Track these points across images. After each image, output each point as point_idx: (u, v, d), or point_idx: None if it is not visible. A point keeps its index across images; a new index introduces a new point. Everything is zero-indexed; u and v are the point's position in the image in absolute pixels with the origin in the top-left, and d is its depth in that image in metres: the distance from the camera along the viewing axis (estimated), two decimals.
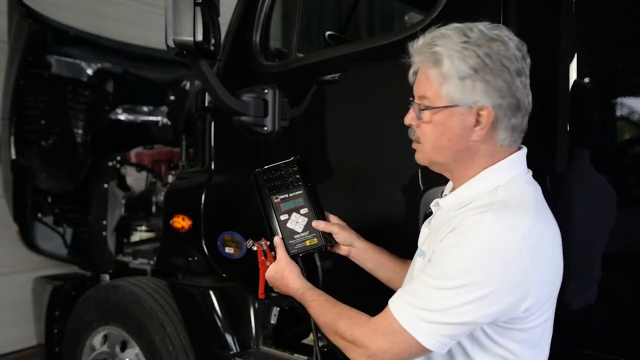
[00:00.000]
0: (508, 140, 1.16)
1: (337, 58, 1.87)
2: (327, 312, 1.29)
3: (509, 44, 1.12)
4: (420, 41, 1.18)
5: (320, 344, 1.62)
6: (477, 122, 1.14)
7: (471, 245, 1.07)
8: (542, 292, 1.12)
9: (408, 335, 1.11)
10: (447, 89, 1.13)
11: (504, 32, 1.14)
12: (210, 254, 2.17)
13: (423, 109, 1.18)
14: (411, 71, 1.22)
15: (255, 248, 1.51)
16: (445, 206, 1.24)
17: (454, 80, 1.12)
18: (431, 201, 1.31)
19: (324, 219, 1.51)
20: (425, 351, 1.12)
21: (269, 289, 1.51)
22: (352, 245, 1.51)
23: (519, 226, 1.08)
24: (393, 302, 1.16)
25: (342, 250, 1.52)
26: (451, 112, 1.15)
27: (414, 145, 1.26)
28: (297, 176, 1.52)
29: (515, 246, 1.06)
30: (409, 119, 1.23)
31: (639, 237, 1.35)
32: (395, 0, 4.49)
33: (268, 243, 1.50)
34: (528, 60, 1.15)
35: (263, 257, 1.50)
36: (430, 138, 1.20)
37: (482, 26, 1.14)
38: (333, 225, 1.50)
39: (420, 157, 1.26)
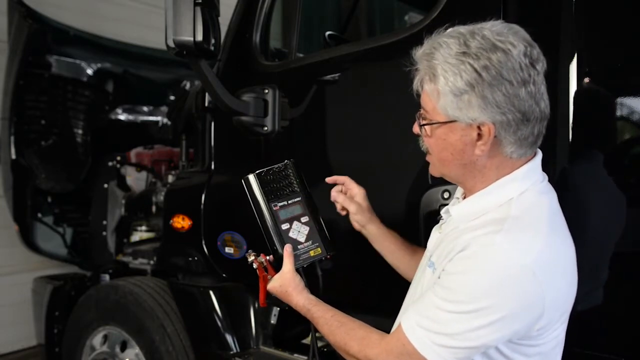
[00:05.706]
0: (517, 153, 1.11)
1: (337, 58, 1.87)
2: (336, 331, 1.27)
3: (511, 52, 1.03)
4: (421, 49, 1.12)
5: (320, 343, 1.61)
6: (479, 137, 1.09)
7: (483, 269, 1.04)
8: (557, 310, 1.10)
9: (422, 357, 1.10)
10: (443, 105, 1.09)
11: (509, 38, 1.05)
12: (210, 254, 2.17)
13: (423, 124, 1.16)
14: (415, 80, 1.16)
15: (255, 266, 1.44)
16: (456, 215, 1.21)
17: (449, 96, 1.07)
18: (431, 201, 1.30)
19: (323, 226, 1.48)
20: None
21: (270, 296, 1.45)
22: (364, 228, 1.50)
23: (532, 247, 1.04)
24: (406, 324, 1.14)
25: (355, 226, 1.51)
26: (450, 127, 1.11)
27: (427, 158, 1.23)
28: (293, 180, 1.47)
29: (528, 269, 1.02)
30: (416, 129, 1.20)
31: None
32: (395, 0, 4.50)
33: (267, 258, 1.44)
34: (540, 65, 1.07)
35: (264, 273, 1.44)
36: (434, 151, 1.18)
37: (488, 30, 1.07)
38: (351, 204, 1.48)
39: (432, 169, 1.23)
